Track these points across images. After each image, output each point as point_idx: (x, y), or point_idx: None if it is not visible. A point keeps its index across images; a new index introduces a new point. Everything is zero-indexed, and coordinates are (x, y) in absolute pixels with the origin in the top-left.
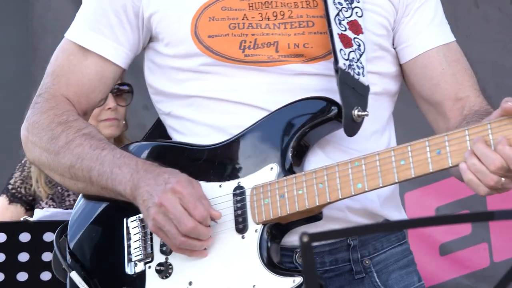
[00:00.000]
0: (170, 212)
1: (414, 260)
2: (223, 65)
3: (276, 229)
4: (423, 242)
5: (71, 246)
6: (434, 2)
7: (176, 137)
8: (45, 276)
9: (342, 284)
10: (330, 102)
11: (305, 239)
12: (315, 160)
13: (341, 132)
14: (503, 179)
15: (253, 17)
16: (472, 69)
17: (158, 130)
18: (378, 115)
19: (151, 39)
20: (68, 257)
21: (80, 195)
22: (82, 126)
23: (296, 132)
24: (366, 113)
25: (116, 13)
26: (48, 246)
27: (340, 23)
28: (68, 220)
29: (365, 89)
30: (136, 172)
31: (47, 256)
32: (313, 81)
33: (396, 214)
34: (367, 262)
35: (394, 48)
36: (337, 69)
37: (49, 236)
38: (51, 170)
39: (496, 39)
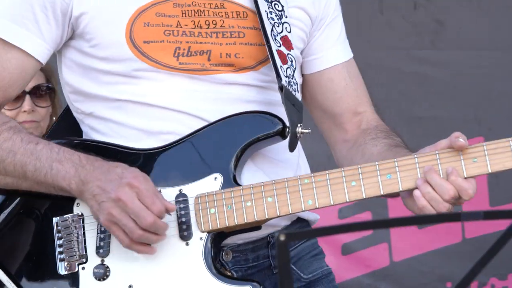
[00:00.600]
0: (128, 207)
1: (323, 251)
2: (156, 71)
3: (219, 237)
4: (326, 242)
5: None
6: (341, 19)
7: (96, 137)
8: None
9: (263, 279)
10: (276, 118)
11: (282, 238)
12: (246, 169)
13: None
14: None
15: (186, 25)
16: (375, 75)
17: (64, 124)
18: None
19: (72, 37)
20: None
21: None
22: (5, 120)
23: (242, 144)
24: (308, 130)
25: (43, 9)
26: None
27: (275, 39)
28: None
29: (301, 105)
30: (81, 167)
31: None
32: (243, 91)
33: (311, 215)
34: None
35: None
36: (281, 87)
37: None
38: None
39: (399, 46)
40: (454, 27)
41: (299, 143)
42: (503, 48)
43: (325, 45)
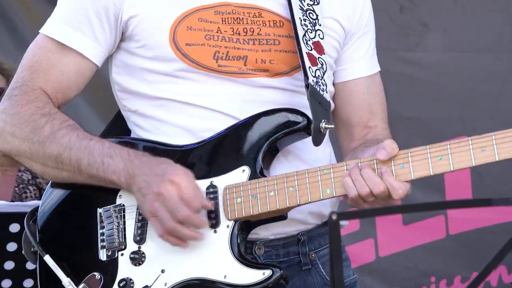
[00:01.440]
0: (167, 201)
1: (348, 257)
2: (197, 72)
3: (245, 226)
4: None
5: (41, 231)
6: (371, 33)
7: (140, 133)
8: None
9: (293, 274)
10: (301, 114)
11: (334, 217)
12: (279, 166)
13: (299, 143)
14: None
15: (226, 31)
16: None
17: (116, 125)
18: None
19: (122, 39)
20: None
21: (49, 183)
22: (65, 118)
23: (268, 139)
24: (332, 126)
25: (97, 14)
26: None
27: (306, 43)
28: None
29: (328, 104)
30: (130, 161)
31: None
32: (277, 95)
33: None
34: (313, 255)
35: None
36: (307, 85)
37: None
38: (32, 159)
39: (386, 47)
40: (439, 29)
41: (329, 143)
42: (487, 50)
43: (351, 58)
